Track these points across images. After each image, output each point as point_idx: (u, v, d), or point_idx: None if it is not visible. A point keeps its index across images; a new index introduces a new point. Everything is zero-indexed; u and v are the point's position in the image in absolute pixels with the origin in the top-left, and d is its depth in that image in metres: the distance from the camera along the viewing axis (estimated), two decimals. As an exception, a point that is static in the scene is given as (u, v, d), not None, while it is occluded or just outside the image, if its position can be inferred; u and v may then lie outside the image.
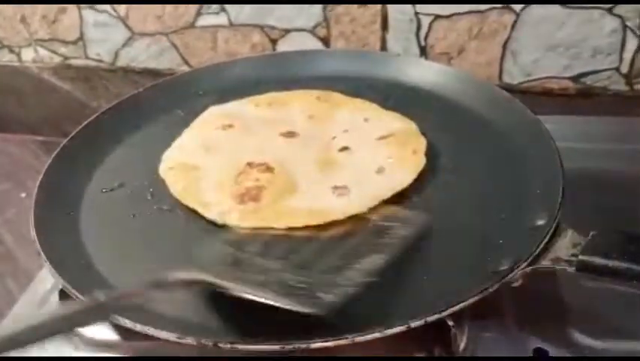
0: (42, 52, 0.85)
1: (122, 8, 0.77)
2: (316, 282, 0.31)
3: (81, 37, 0.82)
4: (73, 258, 0.38)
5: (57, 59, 0.85)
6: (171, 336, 0.30)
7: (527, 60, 0.69)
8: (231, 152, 0.47)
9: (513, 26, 0.68)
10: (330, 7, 0.71)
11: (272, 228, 0.39)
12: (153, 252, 0.40)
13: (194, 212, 0.42)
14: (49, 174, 0.44)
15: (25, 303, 0.43)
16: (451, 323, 0.33)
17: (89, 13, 0.79)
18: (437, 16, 0.69)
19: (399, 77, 0.56)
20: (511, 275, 0.33)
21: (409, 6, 0.69)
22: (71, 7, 0.79)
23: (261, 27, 0.75)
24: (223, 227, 0.41)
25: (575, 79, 0.69)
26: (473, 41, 0.70)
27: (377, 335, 0.30)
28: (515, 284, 0.34)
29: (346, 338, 0.29)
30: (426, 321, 0.30)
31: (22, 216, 0.74)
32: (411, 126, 0.48)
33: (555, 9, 0.65)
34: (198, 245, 0.40)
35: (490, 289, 0.32)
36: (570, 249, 0.34)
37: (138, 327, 0.31)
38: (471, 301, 0.31)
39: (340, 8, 0.71)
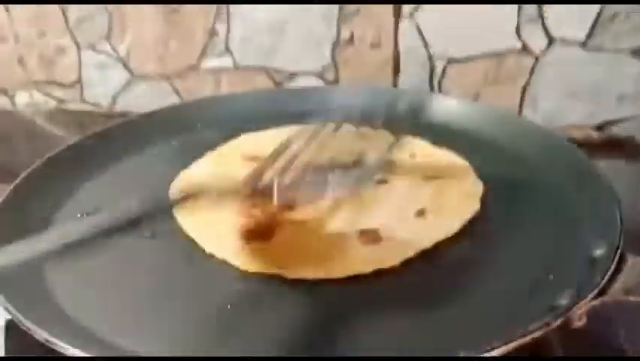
0: (37, 95, 0.82)
1: (122, 48, 0.75)
2: None
3: (79, 80, 0.79)
4: (30, 287, 0.31)
5: (52, 103, 0.82)
6: None
7: (548, 107, 0.65)
8: None
9: (532, 70, 0.64)
10: (339, 49, 0.68)
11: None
12: (126, 279, 0.33)
13: (173, 239, 0.36)
14: (14, 195, 0.38)
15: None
16: (501, 370, 0.25)
17: (88, 53, 0.76)
18: (451, 60, 0.66)
19: (430, 115, 0.52)
20: (575, 307, 0.26)
21: (422, 49, 0.66)
22: (71, 48, 0.76)
23: (266, 70, 0.71)
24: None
25: (599, 127, 0.65)
26: (490, 86, 0.66)
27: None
28: (578, 324, 0.27)
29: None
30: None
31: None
32: (465, 166, 0.42)
33: (577, 52, 0.62)
34: (178, 273, 0.33)
35: (553, 325, 0.25)
36: (646, 278, 0.27)
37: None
38: (528, 337, 0.24)
39: (350, 50, 0.68)
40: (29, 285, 0.31)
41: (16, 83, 0.81)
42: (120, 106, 0.78)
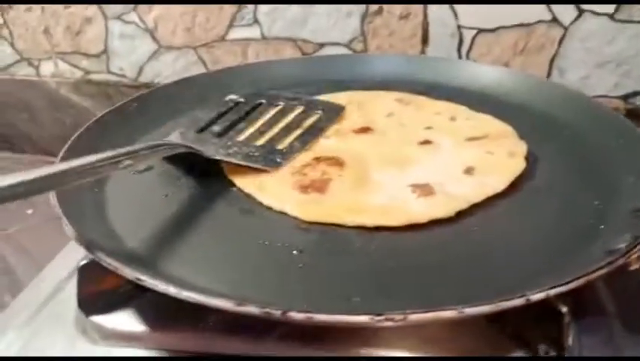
0: (62, 66, 0.82)
1: (150, 19, 0.75)
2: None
3: (105, 50, 0.79)
4: (97, 228, 0.33)
5: (78, 74, 0.82)
6: (227, 304, 0.24)
7: (575, 77, 0.66)
8: None
9: (560, 41, 0.65)
10: (368, 19, 0.69)
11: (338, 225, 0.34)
12: (184, 228, 0.34)
13: (235, 196, 0.37)
14: (73, 149, 0.39)
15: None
16: (564, 310, 0.27)
17: (115, 24, 0.77)
18: (480, 30, 0.66)
19: (464, 81, 0.53)
20: (635, 250, 0.27)
21: (451, 19, 0.66)
22: (98, 18, 0.77)
23: (294, 40, 0.72)
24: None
25: (625, 98, 0.66)
26: (518, 57, 0.67)
27: (486, 308, 0.24)
28: (635, 267, 0.28)
29: (454, 310, 0.23)
30: (548, 294, 0.24)
31: (24, 233, 0.68)
32: (507, 129, 0.44)
33: (605, 23, 0.63)
34: (239, 223, 0.34)
35: (618, 263, 0.26)
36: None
37: (184, 294, 0.25)
38: (597, 274, 0.26)
39: (379, 20, 0.69)
40: (97, 227, 0.32)
41: (42, 53, 0.82)
42: (146, 77, 0.79)
